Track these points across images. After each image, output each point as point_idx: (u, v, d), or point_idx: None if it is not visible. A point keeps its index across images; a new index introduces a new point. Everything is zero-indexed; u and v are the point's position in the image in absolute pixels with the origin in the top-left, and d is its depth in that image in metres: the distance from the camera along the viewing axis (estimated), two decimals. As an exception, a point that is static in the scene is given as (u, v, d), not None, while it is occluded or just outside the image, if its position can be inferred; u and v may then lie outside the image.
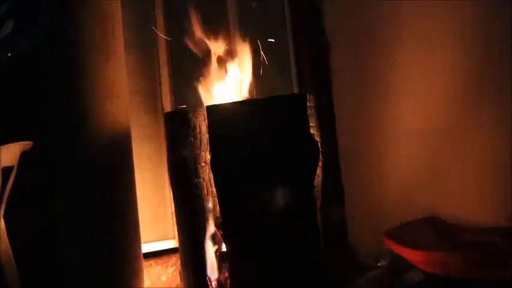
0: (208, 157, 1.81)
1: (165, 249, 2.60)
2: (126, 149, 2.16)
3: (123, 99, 2.15)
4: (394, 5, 2.38)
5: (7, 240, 2.07)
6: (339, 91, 2.71)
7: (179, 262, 2.15)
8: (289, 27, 2.92)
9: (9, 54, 2.59)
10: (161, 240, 2.64)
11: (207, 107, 1.80)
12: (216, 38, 2.08)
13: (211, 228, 1.86)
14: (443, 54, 2.19)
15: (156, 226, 2.66)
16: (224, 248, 1.85)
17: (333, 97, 2.72)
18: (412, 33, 2.33)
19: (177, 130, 1.91)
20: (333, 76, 2.74)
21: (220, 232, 1.83)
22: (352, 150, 2.66)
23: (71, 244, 2.06)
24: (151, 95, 2.71)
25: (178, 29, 2.65)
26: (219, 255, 1.86)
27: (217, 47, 2.08)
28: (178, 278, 2.40)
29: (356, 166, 2.64)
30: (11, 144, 2.06)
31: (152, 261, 2.52)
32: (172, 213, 2.63)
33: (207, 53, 2.07)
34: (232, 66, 2.06)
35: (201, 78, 2.05)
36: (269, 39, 2.49)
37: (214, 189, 1.81)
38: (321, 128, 1.93)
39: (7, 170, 2.06)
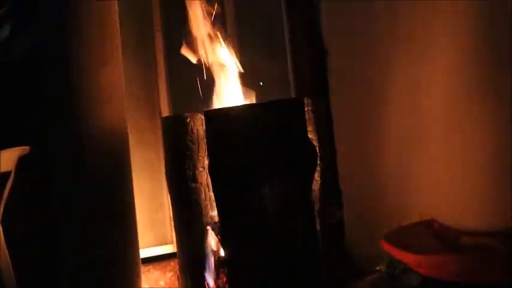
0: (206, 162, 1.81)
1: (164, 254, 2.60)
2: (123, 154, 2.15)
3: (120, 103, 2.15)
4: (392, 7, 2.38)
5: (5, 246, 2.07)
6: (337, 95, 2.71)
7: (177, 267, 2.15)
8: (286, 30, 2.93)
9: (6, 58, 2.59)
10: (159, 245, 2.64)
11: (204, 111, 1.81)
12: (213, 41, 2.08)
13: (209, 233, 1.86)
14: (441, 55, 2.19)
15: (154, 231, 2.65)
16: (222, 253, 1.84)
17: (330, 101, 2.72)
18: (410, 35, 2.33)
19: (174, 135, 1.91)
20: (330, 80, 2.74)
21: (218, 237, 1.83)
22: (349, 153, 2.66)
23: (68, 249, 2.06)
24: (149, 100, 2.71)
25: (176, 33, 2.65)
26: (218, 260, 1.86)
27: (214, 51, 2.08)
28: (177, 283, 2.40)
29: (354, 170, 2.63)
30: (8, 149, 2.05)
31: (150, 266, 2.52)
32: (170, 218, 2.62)
33: (205, 57, 2.07)
34: (229, 70, 2.06)
35: (198, 82, 2.05)
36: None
37: (212, 194, 1.81)
38: (318, 132, 1.93)
39: (4, 175, 2.05)
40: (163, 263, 2.55)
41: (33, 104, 2.35)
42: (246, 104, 1.99)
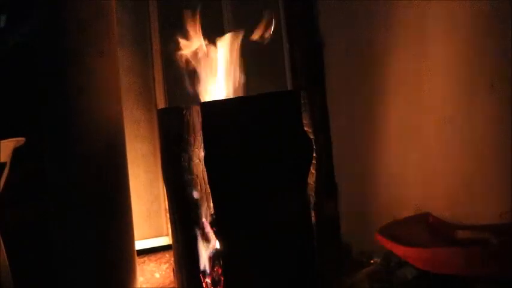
0: (202, 154, 1.80)
1: (159, 246, 2.60)
2: (119, 145, 2.15)
3: (116, 96, 2.15)
4: (388, 4, 2.38)
5: (0, 238, 2.07)
6: (333, 88, 2.71)
7: (173, 259, 2.15)
8: (283, 24, 2.92)
9: (2, 49, 2.58)
10: (155, 237, 2.64)
11: (201, 103, 1.80)
12: (209, 34, 2.08)
13: (204, 225, 1.87)
14: (437, 52, 2.20)
15: (150, 223, 2.66)
16: (217, 245, 1.85)
17: (326, 94, 2.72)
18: (406, 32, 2.33)
19: (170, 127, 1.90)
20: (327, 73, 2.75)
21: (214, 229, 1.83)
22: (345, 147, 2.66)
23: (63, 241, 2.06)
24: (145, 92, 2.70)
25: (172, 27, 2.65)
26: (212, 252, 1.86)
27: (210, 43, 2.07)
28: (172, 274, 2.40)
29: (349, 163, 2.64)
30: (3, 141, 2.05)
31: (146, 258, 2.52)
32: (166, 209, 2.63)
33: (201, 49, 2.06)
34: (225, 62, 2.06)
35: (195, 74, 2.05)
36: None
37: (208, 186, 1.81)
38: (314, 125, 1.93)
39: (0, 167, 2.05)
40: (158, 255, 2.56)
41: (28, 95, 2.34)
42: (242, 96, 1.99)
